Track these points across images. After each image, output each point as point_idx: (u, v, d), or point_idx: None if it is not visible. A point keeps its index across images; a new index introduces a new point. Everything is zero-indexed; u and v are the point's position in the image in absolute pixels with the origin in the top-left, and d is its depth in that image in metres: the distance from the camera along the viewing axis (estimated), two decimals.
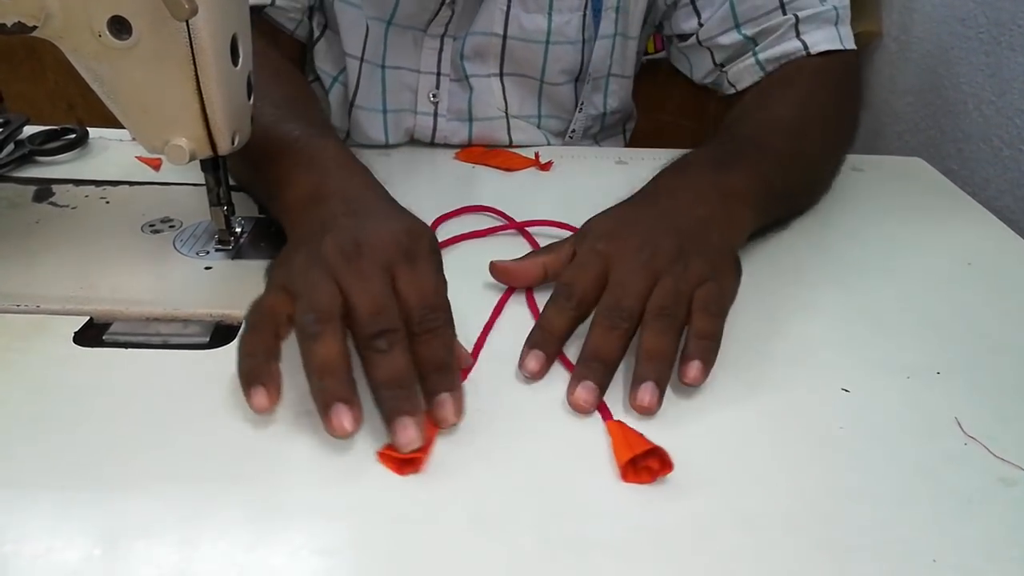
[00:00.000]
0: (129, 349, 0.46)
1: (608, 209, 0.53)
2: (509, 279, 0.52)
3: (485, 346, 0.47)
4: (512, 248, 0.56)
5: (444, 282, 0.43)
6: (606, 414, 0.42)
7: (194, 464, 0.38)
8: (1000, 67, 0.84)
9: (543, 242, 0.57)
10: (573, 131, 0.78)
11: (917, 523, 0.36)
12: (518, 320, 0.49)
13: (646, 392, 0.41)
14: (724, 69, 0.73)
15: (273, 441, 0.39)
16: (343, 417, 0.38)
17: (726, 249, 0.50)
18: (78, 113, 1.31)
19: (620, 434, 0.40)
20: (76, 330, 0.47)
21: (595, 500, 0.37)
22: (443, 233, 0.59)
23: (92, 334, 0.47)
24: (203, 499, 0.36)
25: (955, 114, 0.95)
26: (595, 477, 0.38)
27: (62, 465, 0.38)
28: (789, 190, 0.60)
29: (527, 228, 0.60)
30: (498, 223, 0.61)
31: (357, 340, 0.40)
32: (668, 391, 0.43)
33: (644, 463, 0.38)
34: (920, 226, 0.64)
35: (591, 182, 0.70)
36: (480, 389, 0.43)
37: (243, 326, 0.42)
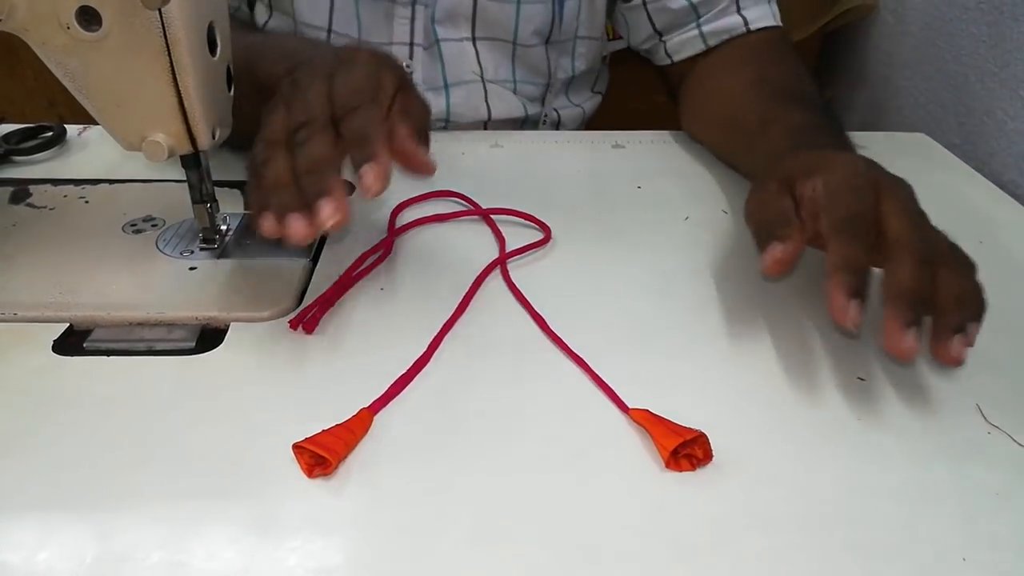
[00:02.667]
0: (111, 357, 0.44)
1: (789, 159, 0.48)
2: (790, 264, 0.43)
3: (476, 338, 0.45)
4: (476, 235, 0.55)
5: (375, 77, 0.43)
6: (621, 404, 0.40)
7: (182, 479, 0.36)
8: (1003, 38, 0.82)
9: (507, 230, 0.56)
10: (546, 97, 0.77)
11: (943, 519, 0.35)
12: (494, 307, 0.48)
13: (961, 344, 0.38)
14: (663, 38, 0.73)
15: (265, 453, 0.37)
16: (296, 223, 0.39)
17: None
18: (59, 110, 1.28)
19: (656, 422, 0.38)
20: (55, 338, 0.45)
21: (606, 505, 0.35)
22: (406, 217, 0.58)
23: (72, 342, 0.45)
24: (191, 517, 0.34)
25: (956, 87, 0.93)
26: (605, 478, 0.36)
27: (41, 482, 0.36)
28: None
29: (491, 215, 0.58)
30: (463, 209, 0.60)
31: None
32: (664, 386, 0.42)
33: (686, 451, 0.36)
34: (927, 204, 0.62)
35: (583, 167, 0.68)
36: (473, 386, 0.41)
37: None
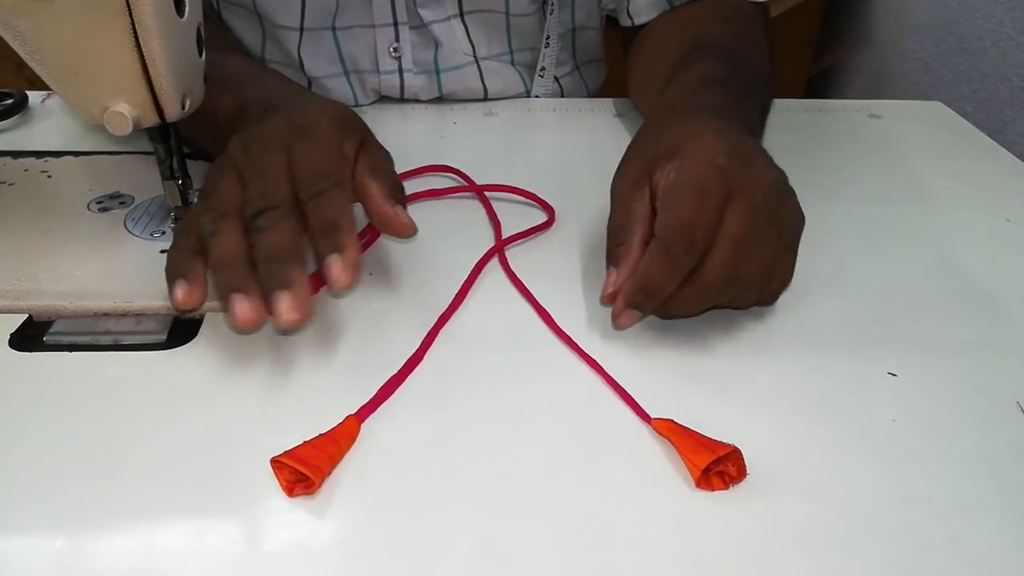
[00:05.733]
0: (74, 352, 0.40)
1: (657, 125, 0.45)
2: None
3: (473, 334, 0.41)
4: (469, 211, 0.52)
5: (338, 150, 0.41)
6: (641, 413, 0.36)
7: (148, 495, 0.32)
8: None
9: (505, 209, 0.52)
10: (543, 68, 0.72)
11: (991, 533, 0.32)
12: (493, 298, 0.44)
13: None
14: None
15: (242, 465, 0.34)
16: (241, 305, 0.36)
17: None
18: (28, 74, 1.22)
19: (684, 434, 0.34)
20: (12, 331, 0.41)
21: (628, 525, 0.32)
22: None
23: (31, 335, 0.41)
24: (164, 534, 0.30)
25: (970, 52, 0.89)
26: (626, 495, 0.33)
27: None
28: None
29: (485, 192, 0.55)
30: (457, 184, 0.56)
31: (249, 230, 0.38)
32: (686, 389, 0.38)
33: (718, 468, 0.33)
34: (949, 179, 0.59)
35: (584, 138, 0.64)
36: (472, 389, 0.38)
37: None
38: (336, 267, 0.36)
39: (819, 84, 1.24)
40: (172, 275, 0.38)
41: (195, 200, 0.49)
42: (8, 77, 1.16)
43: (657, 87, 0.57)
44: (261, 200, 0.38)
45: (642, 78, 0.65)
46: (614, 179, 0.44)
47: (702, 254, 0.37)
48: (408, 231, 0.41)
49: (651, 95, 0.60)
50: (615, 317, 0.39)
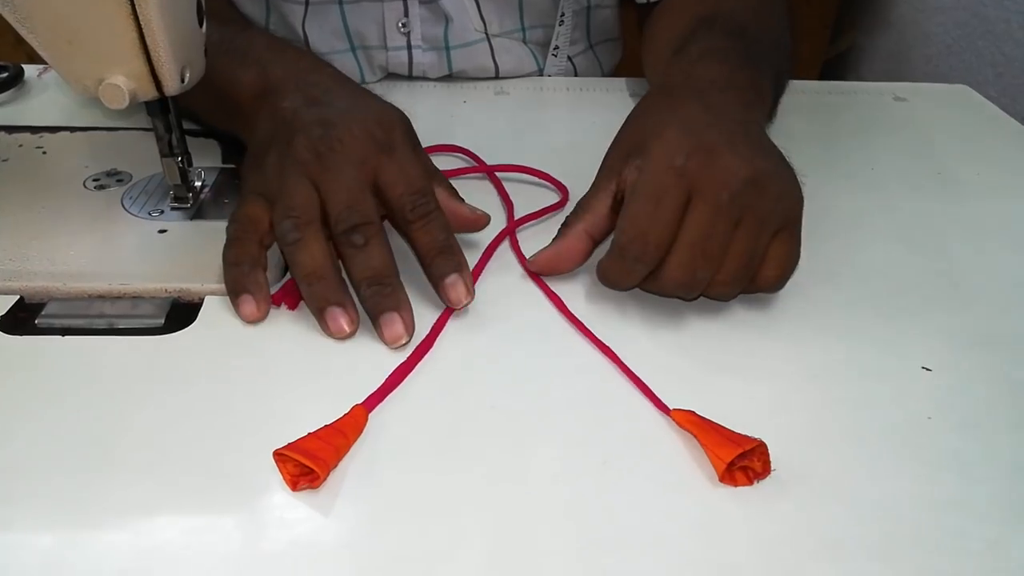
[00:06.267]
0: (67, 336, 0.38)
1: (642, 110, 0.44)
2: (555, 269, 0.42)
3: (485, 322, 0.40)
4: (480, 192, 0.49)
5: (426, 165, 0.43)
6: (659, 404, 0.34)
7: (148, 484, 0.30)
8: None
9: (513, 189, 0.50)
10: (557, 47, 0.69)
11: None
12: (504, 283, 0.42)
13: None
14: None
15: (243, 457, 0.32)
16: (339, 319, 0.38)
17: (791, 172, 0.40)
18: (28, 48, 1.20)
19: (707, 427, 0.32)
20: (2, 313, 0.39)
21: (646, 523, 0.30)
22: None
23: (21, 317, 0.39)
24: (159, 532, 0.29)
25: (995, 35, 0.86)
26: (644, 491, 0.31)
27: None
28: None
29: (496, 172, 0.52)
30: (467, 165, 0.54)
31: (334, 240, 0.39)
32: (705, 379, 0.36)
33: (742, 463, 0.31)
34: (978, 164, 0.57)
35: (598, 118, 0.61)
36: (483, 379, 0.36)
37: (226, 239, 0.40)
38: (460, 287, 0.39)
39: (836, 66, 1.22)
40: (236, 290, 0.39)
41: (197, 181, 0.47)
42: (7, 51, 1.14)
43: (662, 63, 0.55)
44: (354, 214, 0.38)
45: (652, 55, 0.63)
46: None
47: (659, 259, 0.37)
48: (482, 222, 0.44)
49: (656, 72, 0.58)
50: (529, 262, 0.42)
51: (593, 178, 0.42)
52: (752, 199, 0.37)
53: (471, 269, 0.41)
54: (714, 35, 0.51)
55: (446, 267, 0.39)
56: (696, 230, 0.36)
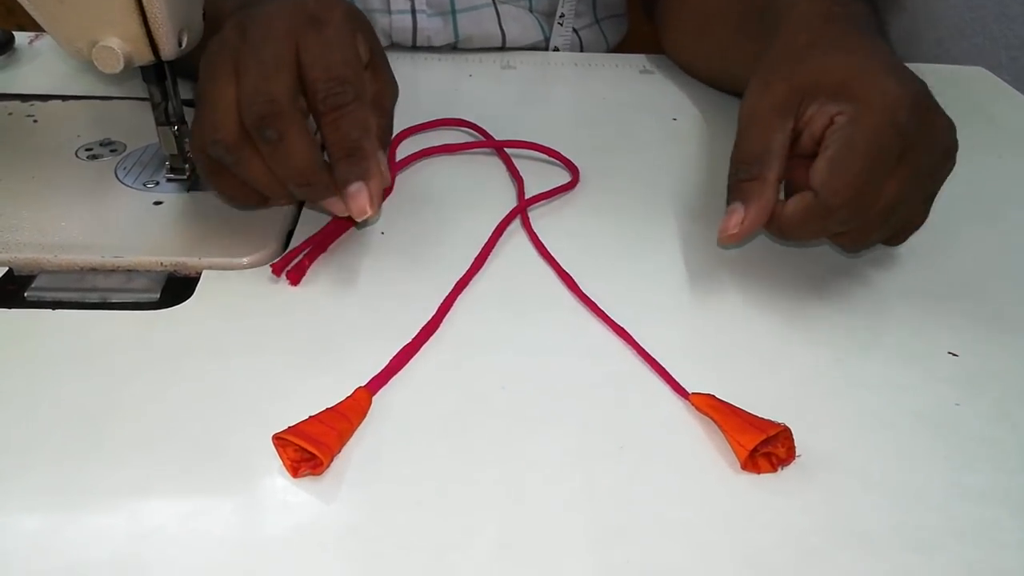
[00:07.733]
0: (58, 309, 0.36)
1: (808, 41, 0.39)
2: (751, 231, 0.36)
3: (493, 301, 0.38)
4: (487, 168, 0.48)
5: (356, 53, 0.37)
6: (677, 387, 0.33)
7: (140, 467, 0.29)
8: None
9: (522, 166, 0.48)
10: (562, 15, 0.68)
11: None
12: (514, 262, 0.41)
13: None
14: None
15: (241, 439, 0.30)
16: (358, 201, 0.35)
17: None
18: (19, 19, 1.17)
19: (727, 412, 0.31)
20: None
21: (664, 512, 0.28)
22: (412, 147, 0.50)
23: (10, 289, 0.37)
24: (152, 517, 0.27)
25: (1009, 17, 0.84)
26: (662, 479, 0.30)
27: None
28: None
29: (505, 148, 0.51)
30: (474, 140, 0.52)
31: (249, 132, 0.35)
32: (724, 362, 0.35)
33: (766, 449, 0.30)
34: (999, 148, 0.55)
35: (609, 94, 0.60)
36: (493, 360, 0.35)
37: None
38: (362, 197, 0.35)
39: None
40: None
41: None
42: None
43: (731, 23, 0.51)
44: (259, 98, 0.34)
45: (700, 18, 0.59)
46: (748, 97, 0.38)
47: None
48: (359, 211, 0.36)
49: (728, 29, 0.54)
50: (727, 238, 0.36)
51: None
52: (940, 167, 0.37)
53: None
54: None
55: (350, 173, 0.35)
56: (897, 195, 0.35)
